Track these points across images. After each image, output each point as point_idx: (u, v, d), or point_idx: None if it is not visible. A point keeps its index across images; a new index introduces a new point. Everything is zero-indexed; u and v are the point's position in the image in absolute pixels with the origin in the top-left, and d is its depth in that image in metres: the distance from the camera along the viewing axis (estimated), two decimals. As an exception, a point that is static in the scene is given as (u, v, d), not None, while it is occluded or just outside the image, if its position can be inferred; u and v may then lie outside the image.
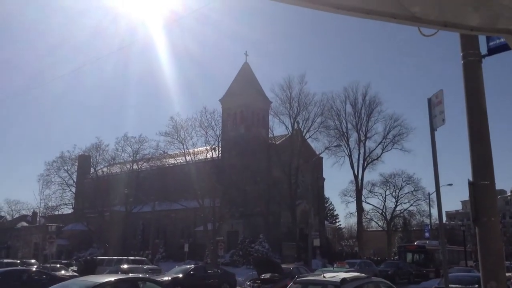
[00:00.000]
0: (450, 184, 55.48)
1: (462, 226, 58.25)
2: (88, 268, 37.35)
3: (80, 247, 63.59)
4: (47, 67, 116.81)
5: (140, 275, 22.52)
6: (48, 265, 33.95)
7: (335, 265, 29.94)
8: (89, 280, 12.46)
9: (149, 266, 37.08)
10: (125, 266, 31.33)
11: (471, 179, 6.17)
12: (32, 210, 78.18)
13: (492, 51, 6.59)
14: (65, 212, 68.29)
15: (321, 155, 63.88)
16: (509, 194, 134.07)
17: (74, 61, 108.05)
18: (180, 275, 23.92)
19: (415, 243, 47.10)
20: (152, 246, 61.17)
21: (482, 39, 6.55)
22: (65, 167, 63.34)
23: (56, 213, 66.34)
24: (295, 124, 60.45)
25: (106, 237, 58.10)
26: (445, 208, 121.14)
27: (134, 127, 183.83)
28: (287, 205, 57.60)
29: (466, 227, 57.68)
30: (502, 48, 6.34)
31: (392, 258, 54.42)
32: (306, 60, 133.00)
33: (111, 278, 12.81)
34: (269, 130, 62.18)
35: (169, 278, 23.79)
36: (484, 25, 2.71)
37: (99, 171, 64.33)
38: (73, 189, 65.51)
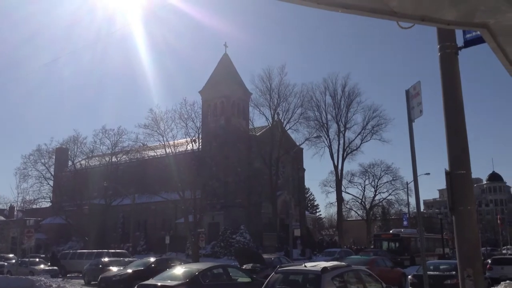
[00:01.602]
0: (428, 173, 56.66)
1: (440, 215, 59.48)
2: (53, 262, 37.38)
3: (59, 241, 62.90)
4: (22, 59, 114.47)
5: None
6: (27, 259, 33.52)
7: (360, 254, 30.60)
8: (193, 267, 15.14)
9: (130, 259, 36.91)
10: (106, 259, 30.97)
11: (448, 168, 6.30)
12: (9, 204, 76.71)
13: (468, 43, 6.70)
14: (43, 206, 67.30)
15: (301, 146, 64.25)
16: (485, 182, 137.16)
17: (50, 52, 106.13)
18: (142, 268, 22.85)
19: (391, 231, 47.82)
20: (133, 238, 60.84)
21: (458, 31, 6.65)
22: (42, 160, 62.31)
23: (34, 207, 65.27)
24: (275, 116, 60.63)
25: (85, 231, 57.50)
26: (423, 196, 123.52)
27: (112, 120, 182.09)
28: (267, 196, 57.86)
29: (444, 215, 58.88)
30: (478, 40, 6.45)
31: (372, 247, 55.23)
32: (286, 51, 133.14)
33: (210, 265, 15.74)
34: (250, 122, 62.24)
35: (130, 271, 22.86)
36: (460, 19, 2.77)
37: (77, 164, 63.48)
38: (51, 183, 64.50)
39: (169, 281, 14.12)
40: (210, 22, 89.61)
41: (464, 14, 2.66)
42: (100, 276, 23.65)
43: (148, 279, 21.25)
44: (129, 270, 22.97)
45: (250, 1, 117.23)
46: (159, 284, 14.00)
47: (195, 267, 15.27)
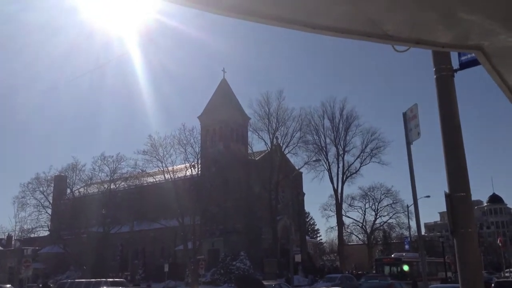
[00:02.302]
0: (428, 196, 56.07)
1: (441, 238, 58.88)
2: None
3: (57, 270, 62.10)
4: (20, 87, 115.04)
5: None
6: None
7: (379, 279, 30.53)
8: None
9: (128, 288, 36.43)
10: (104, 288, 30.52)
11: (447, 191, 6.27)
12: (6, 233, 76.08)
13: (463, 65, 6.74)
14: (41, 235, 66.79)
15: (300, 170, 64.19)
16: (486, 204, 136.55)
17: (47, 80, 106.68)
18: None
19: (392, 255, 47.33)
20: (131, 267, 60.14)
21: (454, 54, 6.71)
22: (41, 189, 62.15)
23: (32, 235, 64.78)
24: (274, 140, 60.77)
25: (83, 259, 56.88)
26: (424, 219, 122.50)
27: (111, 146, 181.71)
28: (267, 221, 57.47)
29: (445, 238, 58.32)
30: (473, 62, 6.50)
31: (373, 272, 54.58)
32: (283, 76, 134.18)
33: None
34: (248, 146, 62.33)
35: None
36: (455, 42, 2.79)
37: (75, 191, 63.29)
38: (49, 211, 64.16)
39: None
40: (208, 47, 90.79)
41: (458, 36, 2.68)
42: None
43: None
44: None
45: (248, 27, 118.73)
46: None
47: None
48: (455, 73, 6.66)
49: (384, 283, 24.00)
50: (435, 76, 6.62)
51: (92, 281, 37.50)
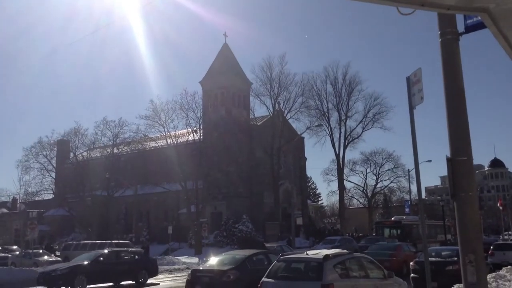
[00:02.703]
0: (429, 161, 56.69)
1: (441, 201, 59.45)
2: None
3: (62, 233, 63.19)
4: (19, 51, 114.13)
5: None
6: (31, 251, 33.74)
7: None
8: (239, 254, 16.29)
9: (133, 249, 37.11)
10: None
11: (449, 155, 6.30)
12: (11, 196, 76.99)
13: (469, 29, 6.65)
14: (45, 198, 67.53)
15: (302, 135, 64.22)
16: (487, 168, 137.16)
17: (47, 45, 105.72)
18: (85, 263, 20.43)
19: (392, 218, 47.91)
20: (135, 229, 61.08)
21: (459, 17, 6.60)
22: (44, 153, 62.39)
23: (37, 199, 65.53)
24: (276, 105, 60.55)
25: (88, 222, 57.75)
26: (425, 184, 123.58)
27: (113, 111, 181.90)
28: (269, 185, 57.96)
29: (445, 202, 58.92)
30: (479, 26, 6.41)
31: (373, 234, 55.41)
32: (286, 41, 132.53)
33: (253, 251, 16.75)
34: (250, 111, 62.18)
35: (71, 265, 20.73)
36: (461, 4, 2.75)
37: (78, 155, 63.56)
38: (53, 175, 64.70)
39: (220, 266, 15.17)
40: (209, 13, 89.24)
41: (464, -2, 2.64)
42: (39, 272, 21.81)
43: (95, 275, 19.85)
44: (71, 265, 20.97)
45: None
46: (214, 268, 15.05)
47: (242, 253, 16.42)
48: (460, 37, 6.58)
49: (393, 245, 24.89)
50: (439, 40, 6.55)
51: (97, 242, 38.23)
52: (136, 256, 23.51)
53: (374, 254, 22.79)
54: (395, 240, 36.19)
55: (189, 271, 16.29)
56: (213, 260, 16.37)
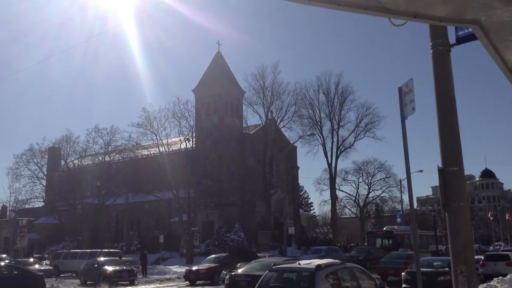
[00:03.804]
0: (421, 171, 56.55)
1: (433, 211, 59.70)
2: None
3: (52, 241, 62.55)
4: (13, 57, 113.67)
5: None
6: (20, 260, 33.35)
7: (400, 250, 32.23)
8: (267, 261, 17.56)
9: (124, 258, 36.80)
10: (102, 258, 30.77)
11: (440, 165, 6.32)
12: (1, 204, 76.20)
13: (460, 40, 6.71)
14: (35, 206, 66.91)
15: (295, 144, 64.33)
16: (478, 179, 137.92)
17: (40, 51, 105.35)
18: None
19: (384, 228, 47.99)
20: (126, 238, 60.65)
21: (451, 29, 6.66)
22: (35, 160, 61.96)
23: (27, 206, 64.94)
24: (269, 114, 60.66)
25: (78, 230, 57.20)
26: (416, 194, 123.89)
27: (105, 119, 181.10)
28: (261, 194, 57.87)
29: (437, 212, 59.17)
30: (470, 37, 6.46)
31: (365, 244, 55.43)
32: (279, 50, 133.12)
33: (283, 258, 18.41)
34: (243, 120, 62.22)
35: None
36: (452, 16, 2.77)
37: (70, 163, 63.13)
38: (44, 182, 64.14)
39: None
40: (203, 21, 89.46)
41: (455, 10, 2.66)
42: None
43: None
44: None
45: (242, 0, 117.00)
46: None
47: (269, 261, 17.55)
48: (451, 48, 6.63)
49: (406, 254, 27.14)
50: (431, 51, 6.60)
51: (88, 251, 37.91)
52: (15, 272, 20.27)
53: (390, 263, 25.38)
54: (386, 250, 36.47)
55: (227, 276, 17.82)
56: (248, 267, 17.84)
